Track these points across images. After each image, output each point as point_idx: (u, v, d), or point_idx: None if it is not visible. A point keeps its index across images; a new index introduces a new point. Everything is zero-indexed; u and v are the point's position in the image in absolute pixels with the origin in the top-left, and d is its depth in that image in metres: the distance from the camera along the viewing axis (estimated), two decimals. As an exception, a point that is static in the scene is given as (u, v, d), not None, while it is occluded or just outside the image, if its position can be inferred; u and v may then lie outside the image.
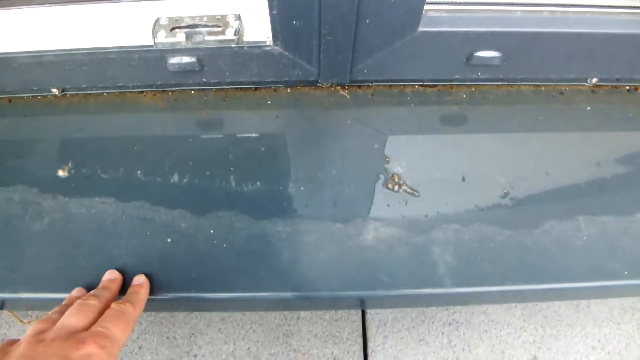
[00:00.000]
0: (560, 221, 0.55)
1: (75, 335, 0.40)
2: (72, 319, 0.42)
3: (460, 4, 0.53)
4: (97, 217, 0.54)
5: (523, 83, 0.64)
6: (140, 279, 0.49)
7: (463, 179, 0.58)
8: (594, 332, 0.75)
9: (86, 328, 0.41)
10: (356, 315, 0.75)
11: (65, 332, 0.40)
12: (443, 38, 0.54)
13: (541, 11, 0.54)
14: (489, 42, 0.55)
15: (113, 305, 0.45)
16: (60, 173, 0.57)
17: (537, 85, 0.65)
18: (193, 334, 0.74)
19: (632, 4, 0.54)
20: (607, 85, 0.65)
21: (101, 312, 0.44)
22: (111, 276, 0.49)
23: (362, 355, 0.71)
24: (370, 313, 0.75)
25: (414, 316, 0.75)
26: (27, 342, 0.39)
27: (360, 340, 0.73)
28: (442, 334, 0.73)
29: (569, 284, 0.53)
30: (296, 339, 0.73)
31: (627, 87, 0.66)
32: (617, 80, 0.64)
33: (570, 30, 0.54)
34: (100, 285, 0.49)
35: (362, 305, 0.72)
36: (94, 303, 0.44)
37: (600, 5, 0.54)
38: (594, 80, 0.64)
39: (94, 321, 0.42)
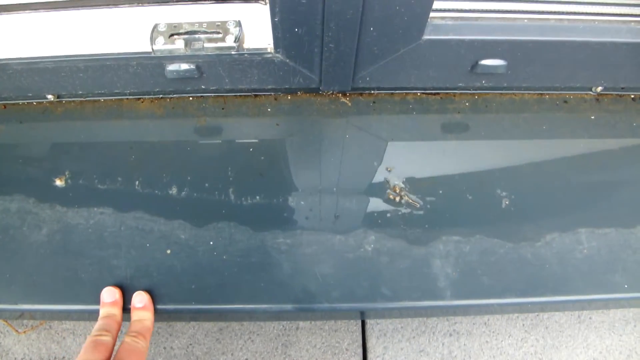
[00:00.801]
0: (562, 234, 0.55)
1: None
2: (90, 356, 0.42)
3: (465, 11, 0.52)
4: (95, 228, 0.53)
5: (527, 91, 0.64)
6: (142, 300, 0.48)
7: (464, 190, 0.57)
8: (595, 344, 0.74)
9: None
10: (356, 325, 0.74)
11: None
12: (448, 46, 0.53)
13: (548, 19, 0.53)
14: (495, 51, 0.54)
15: (127, 339, 0.45)
16: (58, 182, 0.56)
17: (541, 94, 0.64)
18: (190, 344, 0.73)
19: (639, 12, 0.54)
20: (612, 94, 0.65)
21: (113, 344, 0.45)
22: (111, 297, 0.48)
23: (362, 366, 0.70)
24: (370, 323, 0.74)
25: (415, 326, 0.74)
26: None
27: (360, 350, 0.72)
28: (443, 344, 0.73)
29: (569, 296, 0.52)
30: (295, 349, 0.72)
31: (632, 96, 0.65)
32: (622, 89, 0.64)
33: (577, 39, 0.53)
34: (103, 313, 0.48)
35: (362, 316, 0.71)
36: (106, 339, 0.44)
37: (607, 13, 0.53)
38: (599, 88, 0.63)
39: (110, 355, 0.43)
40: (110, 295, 0.48)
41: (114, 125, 0.60)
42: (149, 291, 0.50)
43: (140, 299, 0.48)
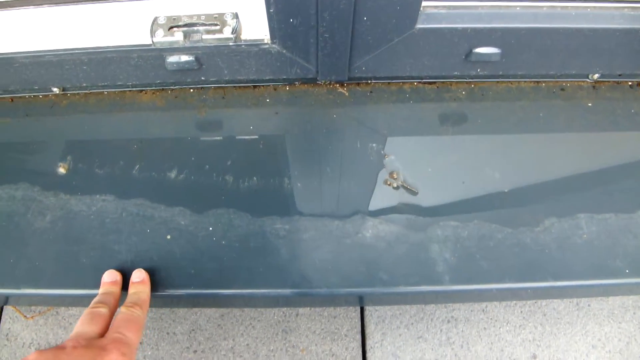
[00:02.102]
0: (561, 219, 0.55)
1: (95, 343, 0.41)
2: (86, 327, 0.43)
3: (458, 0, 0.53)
4: (97, 215, 0.55)
5: (523, 79, 0.64)
6: (140, 275, 0.50)
7: (462, 176, 0.58)
8: (594, 331, 0.74)
9: (101, 335, 0.43)
10: (355, 312, 0.75)
11: (84, 340, 0.41)
12: (441, 35, 0.54)
13: (541, 6, 0.54)
14: (488, 38, 0.55)
15: (123, 309, 0.46)
16: (62, 171, 0.58)
17: (538, 82, 0.64)
18: (193, 329, 0.75)
19: (634, -1, 0.54)
20: (609, 81, 0.65)
21: (110, 317, 0.45)
22: (111, 278, 0.50)
23: (360, 351, 0.71)
24: (369, 310, 0.75)
25: (413, 313, 0.75)
26: (52, 352, 0.39)
27: (358, 336, 0.73)
28: (441, 331, 0.73)
29: (569, 282, 0.52)
30: (295, 335, 0.73)
31: (630, 83, 0.65)
32: (620, 75, 0.64)
33: (571, 26, 0.53)
34: (102, 290, 0.49)
35: (361, 302, 0.72)
36: (103, 311, 0.45)
37: None
38: (596, 76, 0.63)
39: (107, 327, 0.44)
40: (110, 276, 0.50)
41: (117, 117, 0.61)
42: (150, 275, 0.51)
43: (138, 275, 0.50)
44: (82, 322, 0.44)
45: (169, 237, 0.53)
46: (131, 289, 0.49)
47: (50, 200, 0.56)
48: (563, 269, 0.52)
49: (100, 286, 0.50)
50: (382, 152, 0.59)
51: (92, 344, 0.40)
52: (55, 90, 0.62)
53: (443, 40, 0.54)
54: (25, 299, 0.60)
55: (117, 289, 0.49)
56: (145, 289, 0.49)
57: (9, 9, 0.54)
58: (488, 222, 0.55)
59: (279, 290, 0.52)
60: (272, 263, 0.52)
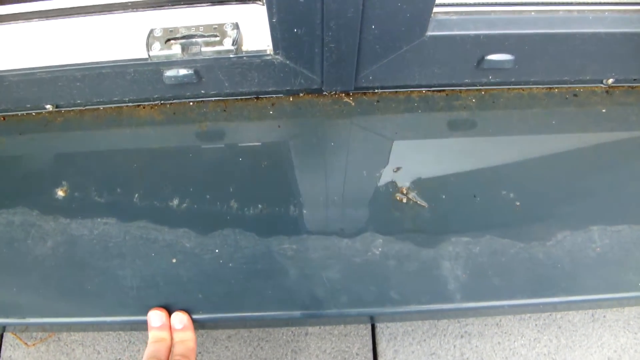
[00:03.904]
0: (573, 232, 0.53)
1: None
2: None
3: (470, 5, 0.51)
4: (99, 239, 0.53)
5: (535, 86, 0.62)
6: (182, 320, 0.48)
7: (473, 188, 0.56)
8: (610, 342, 0.73)
9: None
10: (366, 329, 0.73)
11: None
12: (453, 42, 0.52)
13: (556, 11, 0.51)
14: (501, 45, 0.53)
15: None
16: (60, 193, 0.55)
17: (550, 88, 0.62)
18: (199, 352, 0.73)
19: (652, 1, 0.51)
20: (623, 86, 0.63)
21: None
22: (159, 321, 0.47)
23: (372, 370, 0.70)
24: (380, 327, 0.73)
25: (425, 329, 0.73)
26: None
27: (370, 355, 0.71)
28: (454, 347, 0.72)
29: (582, 296, 0.51)
30: (305, 355, 0.71)
31: (644, 86, 0.63)
32: (635, 80, 0.62)
33: (586, 31, 0.51)
34: (152, 337, 0.47)
35: (372, 320, 0.71)
36: None
37: (617, 2, 0.51)
38: (610, 81, 0.61)
39: None
40: (157, 318, 0.48)
41: (114, 133, 0.59)
42: (156, 300, 0.49)
43: (179, 319, 0.48)
44: None
45: (174, 260, 0.51)
46: (176, 337, 0.47)
47: (50, 225, 0.54)
48: (576, 283, 0.51)
49: (149, 330, 0.48)
50: (391, 165, 0.57)
51: None
52: (49, 107, 0.59)
53: (454, 47, 0.52)
54: (29, 327, 0.58)
55: (167, 334, 0.47)
56: (191, 335, 0.47)
57: (-3, 24, 0.51)
58: (500, 237, 0.53)
59: (289, 312, 0.50)
60: (280, 284, 0.50)
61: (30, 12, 0.50)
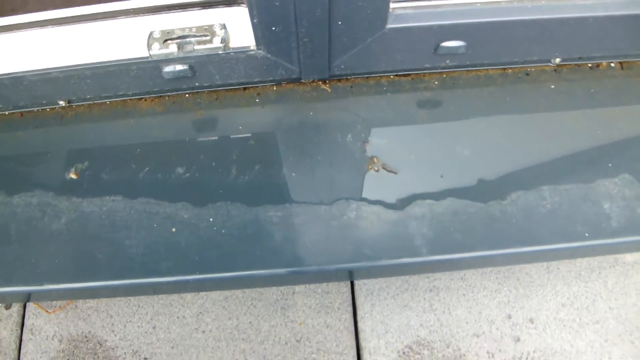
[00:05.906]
0: (526, 192, 0.61)
1: None
2: None
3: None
4: (108, 214, 0.61)
5: (490, 67, 0.69)
6: None
7: (437, 158, 0.63)
8: (563, 291, 0.81)
9: None
10: (346, 287, 0.82)
11: None
12: (410, 33, 0.59)
13: (499, 1, 0.59)
14: (453, 33, 0.60)
15: None
16: (72, 176, 0.64)
17: (504, 69, 0.70)
18: (200, 312, 0.82)
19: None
20: (570, 64, 0.70)
21: None
22: None
23: (352, 322, 0.79)
24: (359, 284, 0.82)
25: (398, 285, 0.82)
26: None
27: (350, 309, 0.80)
28: (424, 299, 0.80)
29: (535, 247, 0.58)
30: (293, 311, 0.80)
31: (590, 65, 0.70)
32: (579, 58, 0.69)
33: (526, 18, 0.59)
34: None
35: (350, 277, 0.79)
36: None
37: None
38: (557, 60, 0.69)
39: None
40: None
41: (120, 123, 0.67)
42: (158, 265, 0.57)
43: None
44: None
45: (174, 229, 0.59)
46: None
47: (64, 204, 0.62)
48: (529, 236, 0.58)
49: None
50: (364, 140, 0.65)
51: None
52: (62, 103, 0.67)
53: (412, 37, 0.60)
54: (48, 294, 0.66)
55: None
56: None
57: (16, 31, 0.59)
58: (460, 198, 0.60)
59: (275, 270, 0.58)
60: (267, 246, 0.58)
61: (45, 20, 0.58)
